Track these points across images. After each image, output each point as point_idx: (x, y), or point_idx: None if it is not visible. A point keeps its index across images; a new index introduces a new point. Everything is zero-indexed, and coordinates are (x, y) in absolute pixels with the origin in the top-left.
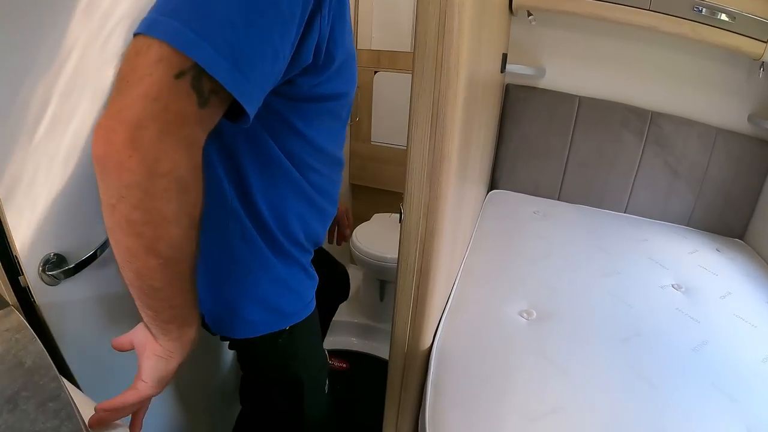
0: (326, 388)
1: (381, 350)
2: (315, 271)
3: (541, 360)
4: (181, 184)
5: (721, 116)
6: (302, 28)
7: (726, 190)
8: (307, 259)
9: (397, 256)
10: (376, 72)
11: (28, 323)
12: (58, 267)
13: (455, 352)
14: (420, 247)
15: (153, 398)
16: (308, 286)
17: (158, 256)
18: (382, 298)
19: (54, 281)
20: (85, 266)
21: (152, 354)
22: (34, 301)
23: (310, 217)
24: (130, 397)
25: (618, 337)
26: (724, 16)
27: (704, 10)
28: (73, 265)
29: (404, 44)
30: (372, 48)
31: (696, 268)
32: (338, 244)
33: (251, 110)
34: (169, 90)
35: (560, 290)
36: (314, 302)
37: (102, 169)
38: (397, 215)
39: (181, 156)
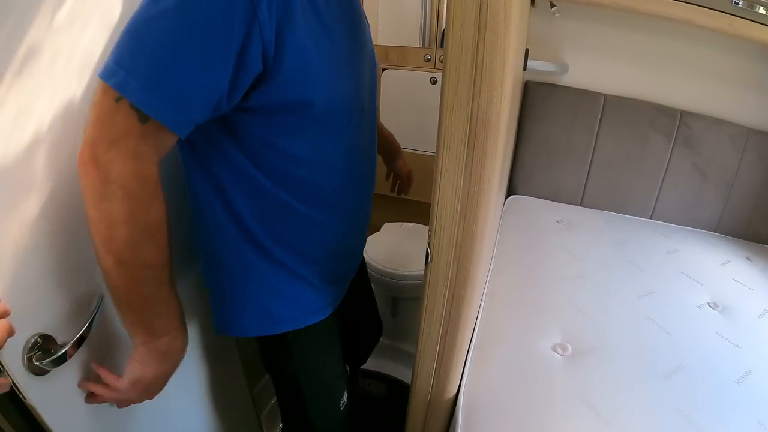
0: (342, 404)
1: (394, 369)
2: (328, 283)
3: (581, 407)
4: (127, 189)
5: (754, 116)
6: (237, 37)
7: (756, 194)
8: (310, 268)
9: (411, 272)
10: (384, 70)
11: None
12: (46, 354)
13: (484, 401)
14: (449, 294)
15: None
16: (309, 296)
17: (112, 254)
18: (394, 315)
19: (44, 370)
20: (79, 345)
21: (131, 356)
22: (24, 399)
23: (301, 226)
24: (105, 392)
25: (660, 372)
26: (762, 10)
27: (741, 2)
28: (62, 352)
29: (413, 38)
30: (378, 44)
31: (730, 283)
32: (397, 194)
33: (169, 122)
34: (113, 112)
35: (594, 317)
36: (322, 313)
37: (80, 177)
38: (409, 225)
39: (127, 165)
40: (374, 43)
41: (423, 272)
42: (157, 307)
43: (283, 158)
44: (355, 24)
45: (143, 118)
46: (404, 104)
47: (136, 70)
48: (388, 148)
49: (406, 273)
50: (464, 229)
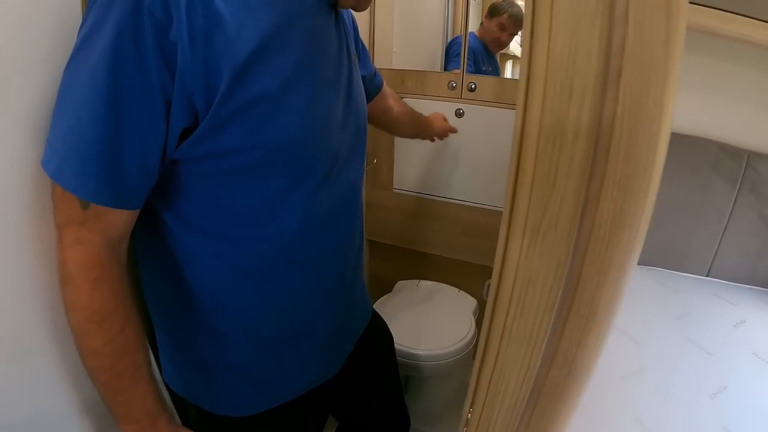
0: None
1: None
2: (269, 379)
3: None
4: (71, 275)
5: None
6: (157, 86)
7: None
8: (242, 354)
9: (429, 351)
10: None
11: None
12: None
13: None
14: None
15: None
16: (229, 385)
17: (73, 333)
18: (406, 391)
19: None
20: None
21: None
22: None
23: (236, 290)
24: None
25: None
26: None
27: None
28: None
29: (435, 61)
30: (393, 67)
31: None
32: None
33: (111, 202)
34: (60, 198)
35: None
36: (246, 410)
37: None
38: (427, 284)
39: (72, 251)
40: (388, 68)
41: (442, 351)
42: (117, 396)
43: (220, 215)
44: (327, 42)
45: (83, 204)
46: (423, 143)
47: (67, 153)
48: (417, 127)
49: (421, 353)
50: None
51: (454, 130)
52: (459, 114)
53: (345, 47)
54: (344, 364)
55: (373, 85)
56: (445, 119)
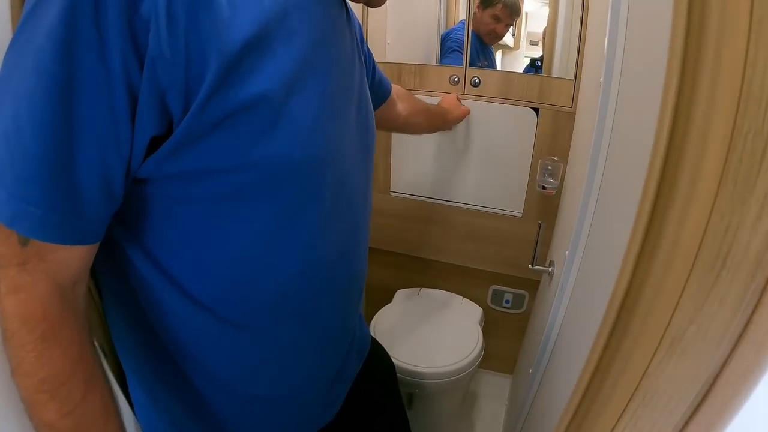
0: None
1: None
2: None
3: None
4: (11, 332)
5: None
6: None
7: None
8: (223, 412)
9: (432, 368)
10: None
11: None
12: None
13: None
14: None
15: None
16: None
17: (23, 402)
18: (410, 407)
19: None
20: None
21: None
22: None
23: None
24: None
25: None
26: None
27: None
28: None
29: (430, 55)
30: (387, 61)
31: None
32: None
33: (56, 237)
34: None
35: None
36: None
37: None
38: (429, 292)
39: (9, 301)
40: (382, 60)
41: (448, 368)
42: None
43: (198, 255)
44: (340, 41)
45: (22, 239)
46: (423, 141)
47: (3, 175)
48: (434, 123)
49: (424, 370)
50: None
51: (467, 111)
52: None
53: (357, 48)
54: (341, 406)
55: (380, 93)
56: (459, 101)
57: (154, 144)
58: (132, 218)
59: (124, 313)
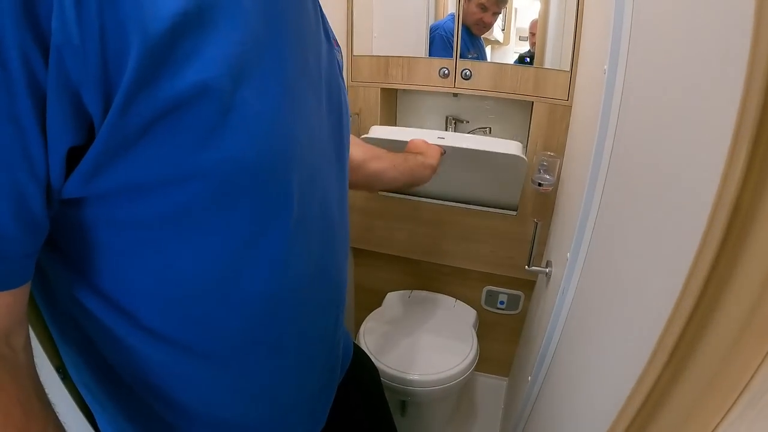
0: None
1: None
2: None
3: None
4: None
5: None
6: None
7: None
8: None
9: (424, 376)
10: (383, 89)
11: None
12: None
13: None
14: None
15: None
16: None
17: None
18: (403, 414)
19: None
20: None
21: None
22: None
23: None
24: None
25: None
26: None
27: None
28: None
29: (419, 47)
30: (374, 54)
31: None
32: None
33: None
34: None
35: None
36: None
37: None
38: (420, 294)
39: None
40: (369, 54)
41: (441, 376)
42: None
43: (150, 288)
44: (303, 30)
45: None
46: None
47: None
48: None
49: (415, 378)
50: None
51: (441, 151)
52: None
53: (322, 26)
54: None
55: None
56: (427, 144)
57: (76, 156)
58: (70, 248)
59: (80, 353)
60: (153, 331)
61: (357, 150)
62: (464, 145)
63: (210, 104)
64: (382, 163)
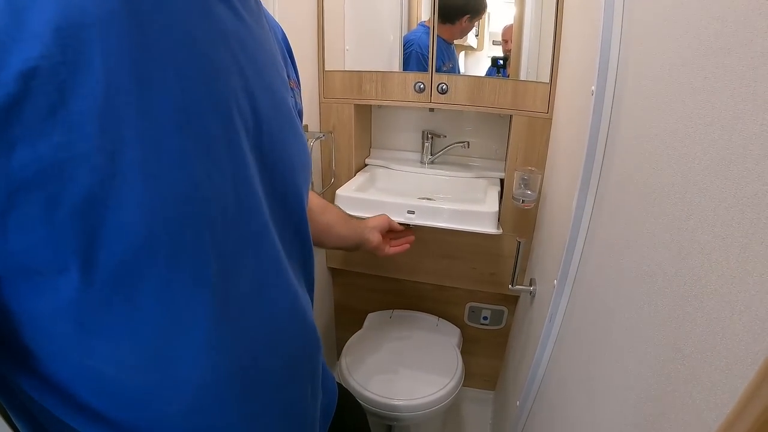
0: None
1: None
2: None
3: None
4: None
5: None
6: None
7: None
8: None
9: (410, 401)
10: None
11: None
12: None
13: None
14: None
15: None
16: None
17: None
18: None
19: None
20: None
21: None
22: None
23: None
24: None
25: None
26: None
27: None
28: None
29: (393, 61)
30: (347, 69)
31: None
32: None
33: None
34: None
35: None
36: None
37: None
38: (402, 314)
39: None
40: (341, 68)
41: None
42: None
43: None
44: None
45: None
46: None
47: None
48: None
49: (400, 403)
50: None
51: (410, 238)
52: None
53: (272, 48)
54: None
55: None
56: (386, 225)
57: None
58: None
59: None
60: (93, 411)
61: (312, 201)
62: (435, 224)
63: (80, 176)
64: (332, 216)
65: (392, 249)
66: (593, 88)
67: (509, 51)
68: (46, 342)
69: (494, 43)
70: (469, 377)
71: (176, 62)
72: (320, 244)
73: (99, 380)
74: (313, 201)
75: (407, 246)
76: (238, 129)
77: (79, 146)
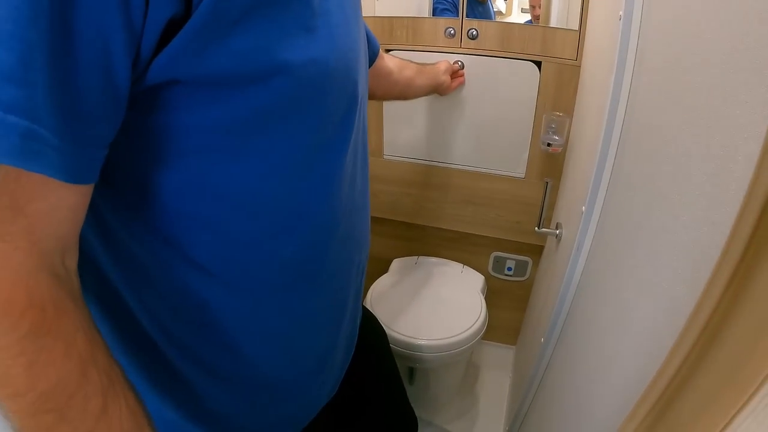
0: None
1: None
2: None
3: None
4: None
5: None
6: None
7: None
8: (233, 396)
9: (431, 341)
10: (387, 51)
11: None
12: None
13: None
14: None
15: None
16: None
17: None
18: (411, 381)
19: None
20: None
21: None
22: None
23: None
24: None
25: None
26: None
27: None
28: None
29: (422, 9)
30: (377, 15)
31: None
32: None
33: (34, 161)
34: None
35: None
36: None
37: None
38: (427, 260)
39: None
40: (372, 14)
41: (449, 341)
42: None
43: (211, 206)
44: None
45: None
46: (417, 101)
47: None
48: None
49: (423, 343)
50: None
51: (462, 82)
52: (459, 67)
53: None
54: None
55: (370, 49)
56: (451, 68)
57: (170, 32)
58: (116, 165)
59: (91, 297)
60: (197, 262)
61: (390, 61)
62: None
63: (303, 6)
64: (410, 71)
65: (455, 83)
66: (621, 13)
67: (538, 18)
68: (180, 182)
69: (523, 10)
70: (491, 330)
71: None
72: (404, 98)
73: (216, 232)
74: (391, 62)
75: (463, 79)
76: (358, 13)
77: None
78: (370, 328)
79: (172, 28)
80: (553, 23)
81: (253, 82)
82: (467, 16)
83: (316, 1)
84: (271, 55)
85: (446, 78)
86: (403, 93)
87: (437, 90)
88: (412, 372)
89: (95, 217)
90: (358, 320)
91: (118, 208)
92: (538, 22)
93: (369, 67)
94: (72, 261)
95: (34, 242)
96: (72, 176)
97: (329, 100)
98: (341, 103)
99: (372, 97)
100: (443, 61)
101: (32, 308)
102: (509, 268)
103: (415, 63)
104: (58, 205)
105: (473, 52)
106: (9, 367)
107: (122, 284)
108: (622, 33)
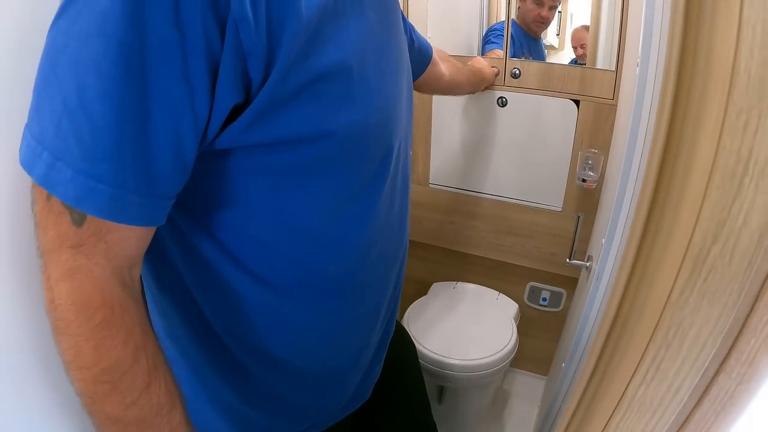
0: None
1: None
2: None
3: None
4: (66, 321)
5: None
6: (199, 48)
7: None
8: (273, 389)
9: (464, 361)
10: None
11: None
12: None
13: None
14: None
15: None
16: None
17: (79, 397)
18: (441, 401)
19: None
20: None
21: None
22: None
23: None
24: None
25: None
26: None
27: None
28: None
29: (471, 50)
30: None
31: None
32: None
33: (121, 215)
34: (45, 213)
35: None
36: None
37: None
38: (466, 287)
39: (62, 286)
40: None
41: (478, 362)
42: None
43: (263, 227)
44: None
45: (77, 218)
46: (462, 134)
47: (63, 145)
48: (479, 79)
49: (455, 362)
50: None
51: (497, 72)
52: (502, 103)
53: (399, 13)
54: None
55: (424, 57)
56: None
57: (232, 114)
58: (195, 200)
59: (174, 304)
60: (255, 274)
61: (443, 66)
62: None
63: (343, 78)
64: (462, 76)
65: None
66: (638, 60)
67: (583, 57)
68: (242, 206)
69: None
70: (523, 359)
71: (387, 24)
72: (450, 95)
73: (270, 247)
74: (444, 66)
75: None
76: (402, 62)
77: (343, 63)
78: (401, 340)
79: (234, 112)
80: (599, 64)
81: (303, 143)
82: (520, 50)
83: (356, 73)
84: (318, 124)
85: (492, 74)
86: (450, 92)
87: (484, 84)
88: (441, 391)
89: (174, 230)
90: (391, 327)
91: (193, 227)
92: (584, 61)
93: (421, 73)
94: (137, 272)
95: (110, 260)
96: (144, 222)
97: (368, 151)
98: (379, 151)
99: (418, 90)
100: (478, 59)
101: (104, 306)
102: (544, 299)
103: (463, 66)
104: (130, 235)
105: (515, 90)
106: (81, 347)
107: (194, 285)
108: (639, 78)
